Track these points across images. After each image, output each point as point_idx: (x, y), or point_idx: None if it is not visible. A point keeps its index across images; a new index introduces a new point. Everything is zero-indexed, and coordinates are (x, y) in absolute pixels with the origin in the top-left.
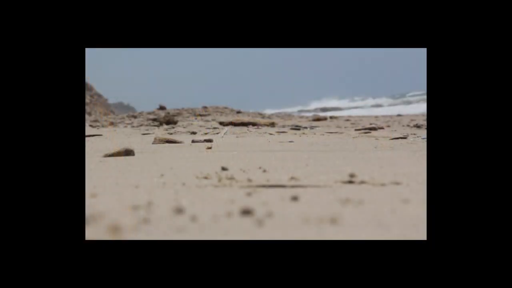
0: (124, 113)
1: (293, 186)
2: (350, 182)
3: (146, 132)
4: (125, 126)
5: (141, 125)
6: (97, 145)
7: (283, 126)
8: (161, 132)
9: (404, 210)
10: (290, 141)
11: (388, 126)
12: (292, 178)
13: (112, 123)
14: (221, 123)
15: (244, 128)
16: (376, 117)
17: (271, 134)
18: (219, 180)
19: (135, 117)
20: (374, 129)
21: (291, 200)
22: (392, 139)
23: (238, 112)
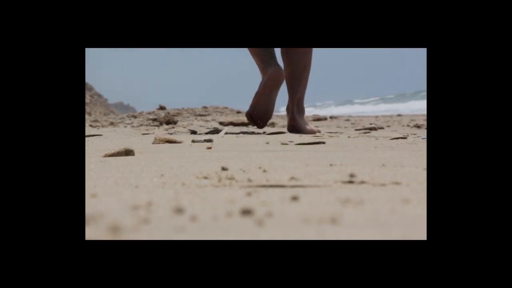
0: (124, 113)
1: (293, 186)
2: (350, 182)
3: (146, 132)
4: (125, 126)
5: (141, 125)
6: (97, 145)
7: (283, 126)
8: (161, 132)
9: (404, 210)
10: (290, 141)
11: (388, 126)
12: (292, 178)
13: (112, 123)
14: (221, 123)
15: (244, 128)
16: (376, 117)
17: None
18: (219, 180)
19: (135, 117)
20: (374, 129)
21: (291, 200)
22: (392, 139)
23: (238, 112)
